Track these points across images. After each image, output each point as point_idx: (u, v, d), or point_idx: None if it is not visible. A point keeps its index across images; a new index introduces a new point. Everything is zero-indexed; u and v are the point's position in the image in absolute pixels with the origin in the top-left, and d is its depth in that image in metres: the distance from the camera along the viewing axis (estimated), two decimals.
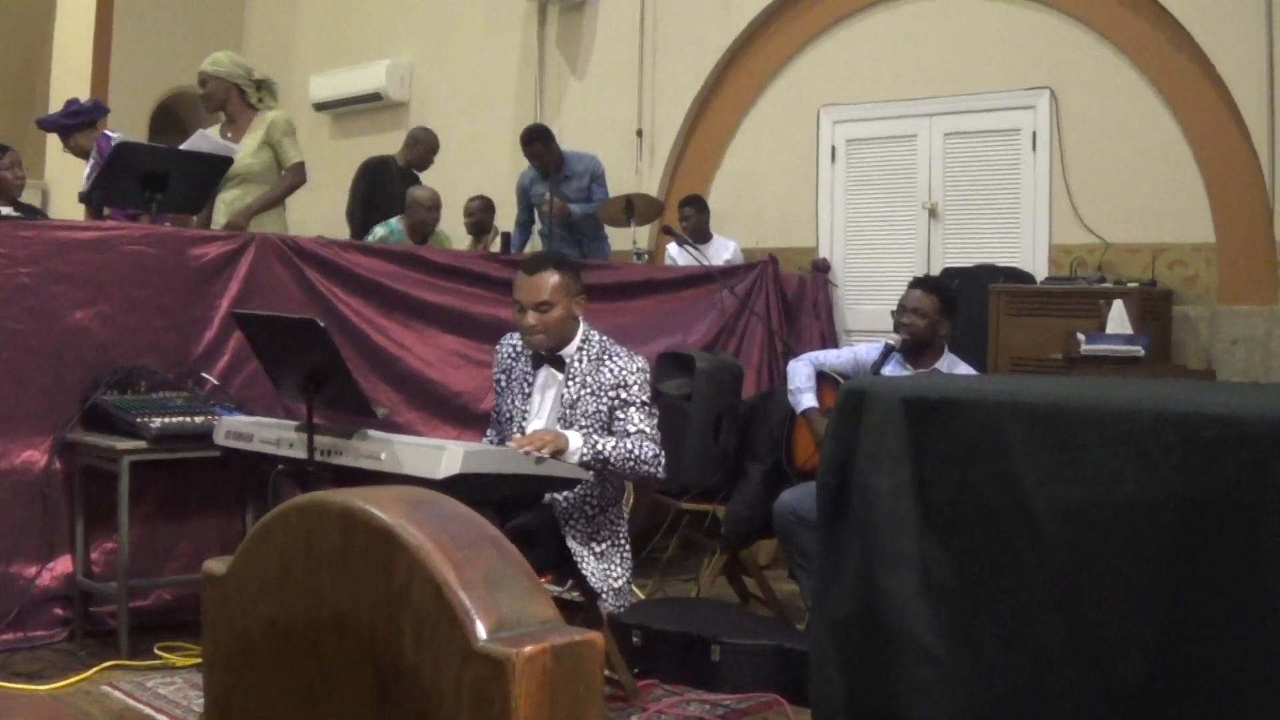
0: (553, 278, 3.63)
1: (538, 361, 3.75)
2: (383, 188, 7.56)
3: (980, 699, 2.33)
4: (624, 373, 3.65)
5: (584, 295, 3.75)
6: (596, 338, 3.75)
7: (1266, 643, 1.97)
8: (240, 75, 5.74)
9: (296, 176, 5.73)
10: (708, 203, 7.55)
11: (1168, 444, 2.12)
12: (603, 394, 3.65)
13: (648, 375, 3.72)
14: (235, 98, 5.72)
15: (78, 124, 6.35)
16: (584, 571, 3.60)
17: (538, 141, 7.38)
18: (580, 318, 3.75)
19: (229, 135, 5.71)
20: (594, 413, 3.64)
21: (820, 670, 2.59)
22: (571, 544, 3.60)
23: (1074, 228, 6.57)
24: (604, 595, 3.63)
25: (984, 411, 2.39)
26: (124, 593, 4.12)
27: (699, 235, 7.26)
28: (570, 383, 3.68)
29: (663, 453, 3.64)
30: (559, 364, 3.71)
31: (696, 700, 3.88)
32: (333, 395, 3.46)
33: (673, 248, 7.29)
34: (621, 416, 3.63)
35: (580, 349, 3.71)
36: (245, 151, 5.55)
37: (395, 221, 7.07)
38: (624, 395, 3.63)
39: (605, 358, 3.69)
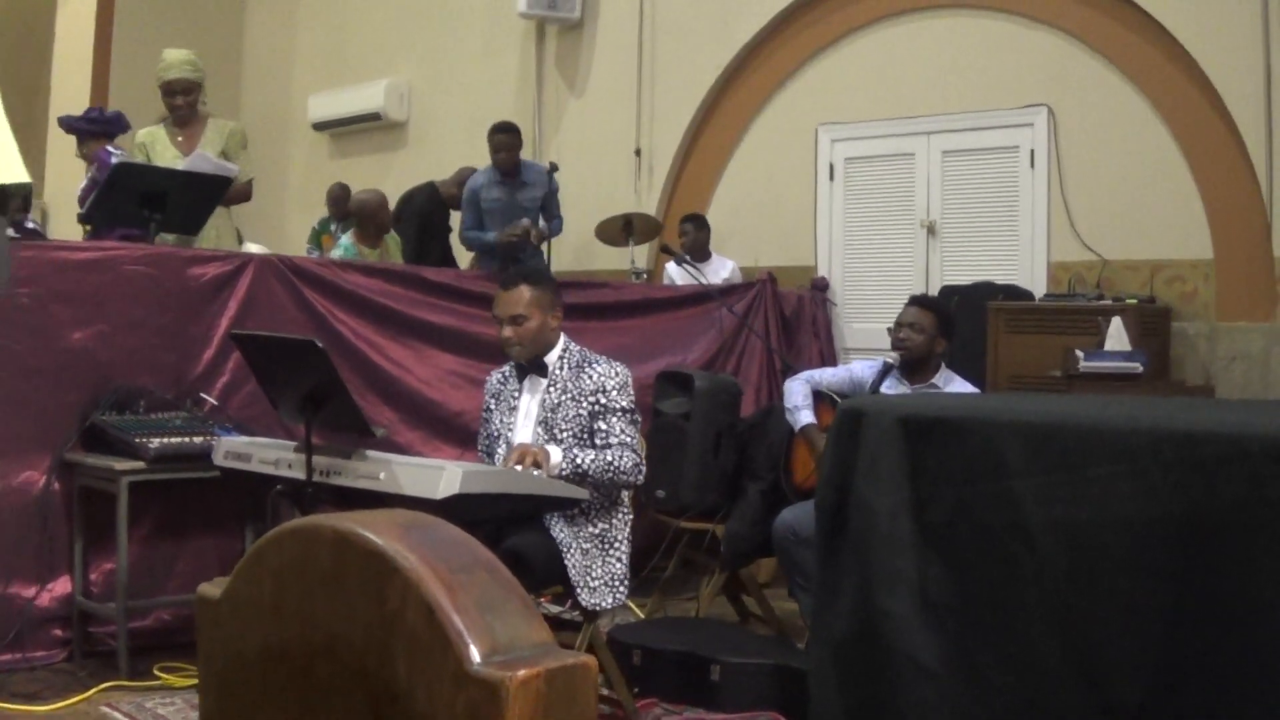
0: (526, 292, 3.77)
1: (522, 374, 3.84)
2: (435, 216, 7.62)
3: (978, 718, 2.32)
4: (604, 378, 3.74)
5: (560, 309, 3.87)
6: (576, 348, 3.87)
7: (1265, 661, 1.97)
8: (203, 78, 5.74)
9: (248, 190, 5.73)
10: (707, 221, 7.55)
11: (1166, 462, 2.12)
12: (583, 399, 3.72)
13: (629, 381, 3.80)
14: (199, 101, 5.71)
15: (93, 131, 6.33)
16: (578, 591, 3.60)
17: (510, 134, 7.06)
18: (558, 329, 3.85)
19: (180, 140, 5.64)
20: (574, 417, 3.72)
21: (819, 689, 2.59)
22: (568, 563, 3.59)
23: (1072, 245, 6.57)
24: (597, 606, 3.63)
25: (982, 430, 2.39)
26: (123, 613, 4.12)
27: (698, 253, 7.26)
28: (552, 388, 3.78)
29: (643, 462, 3.73)
30: (542, 370, 3.81)
31: (696, 719, 3.87)
32: (331, 415, 3.46)
33: (671, 267, 7.28)
34: (604, 426, 3.70)
35: (562, 358, 3.83)
36: None
37: (347, 238, 7.08)
38: (604, 401, 3.71)
39: (586, 365, 3.79)
